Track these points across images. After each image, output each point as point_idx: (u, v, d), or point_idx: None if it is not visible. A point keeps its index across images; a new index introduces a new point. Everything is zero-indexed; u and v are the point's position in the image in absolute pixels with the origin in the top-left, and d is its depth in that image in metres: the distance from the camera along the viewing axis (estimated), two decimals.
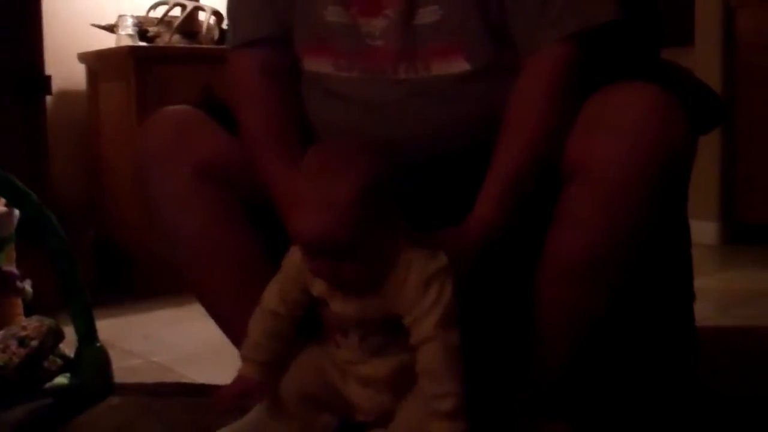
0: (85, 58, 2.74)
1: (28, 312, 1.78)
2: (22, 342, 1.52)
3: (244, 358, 1.03)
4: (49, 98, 2.44)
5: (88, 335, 1.62)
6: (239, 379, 1.04)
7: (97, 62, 2.72)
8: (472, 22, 1.07)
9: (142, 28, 2.69)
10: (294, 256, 1.01)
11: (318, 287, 0.99)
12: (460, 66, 1.08)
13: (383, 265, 0.94)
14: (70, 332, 1.64)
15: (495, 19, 1.07)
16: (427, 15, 1.08)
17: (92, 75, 2.75)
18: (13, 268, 1.76)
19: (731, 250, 3.01)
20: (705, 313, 1.88)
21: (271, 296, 1.03)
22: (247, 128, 1.15)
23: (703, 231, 2.93)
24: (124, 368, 1.85)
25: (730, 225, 3.09)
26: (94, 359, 1.62)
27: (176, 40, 2.70)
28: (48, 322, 1.58)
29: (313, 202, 0.91)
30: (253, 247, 1.14)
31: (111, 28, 2.69)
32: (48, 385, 1.56)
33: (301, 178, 0.94)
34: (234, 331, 1.18)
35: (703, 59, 2.98)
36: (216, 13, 2.71)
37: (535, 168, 1.03)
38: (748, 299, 2.26)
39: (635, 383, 1.36)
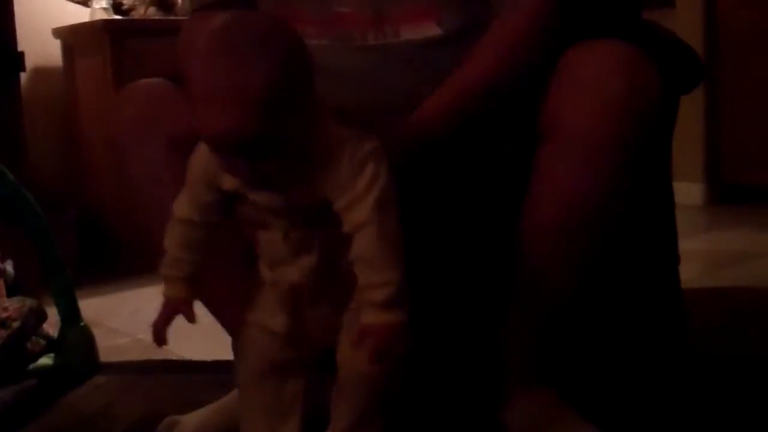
0: (60, 33, 2.69)
1: (11, 293, 1.76)
2: (3, 324, 1.50)
3: (165, 278, 0.96)
4: (23, 75, 2.40)
5: (71, 315, 1.60)
6: (166, 303, 0.96)
7: (72, 37, 2.68)
8: None
9: (116, 0, 2.65)
10: (199, 155, 0.92)
11: (229, 181, 0.89)
12: (430, 30, 1.06)
13: (306, 152, 0.85)
14: (53, 313, 1.62)
15: None
16: None
17: (67, 50, 2.70)
18: None
19: (717, 211, 3.01)
20: (691, 274, 1.88)
21: (182, 205, 0.95)
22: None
23: (688, 192, 2.93)
24: (111, 347, 1.84)
25: (715, 186, 3.09)
26: (78, 339, 1.61)
27: (152, 12, 2.65)
28: (30, 302, 1.57)
29: (217, 92, 0.80)
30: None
31: (85, 2, 2.64)
32: (32, 366, 1.55)
33: (206, 66, 0.82)
34: (214, 304, 1.17)
35: (685, 20, 2.96)
36: None
37: (490, 92, 1.03)
38: (734, 260, 2.27)
39: (622, 347, 1.36)
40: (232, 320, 1.06)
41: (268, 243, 0.94)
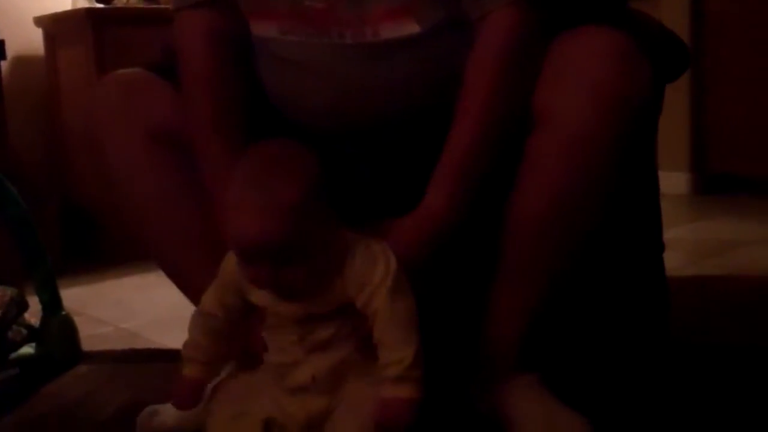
0: (41, 21, 2.67)
1: None
2: None
3: (186, 358, 1.00)
4: (4, 63, 2.38)
5: (52, 304, 1.59)
6: (184, 381, 1.00)
7: (54, 25, 2.65)
8: None
9: None
10: (229, 263, 0.98)
11: (257, 295, 0.96)
12: (409, 28, 1.04)
13: (324, 263, 0.92)
14: (34, 302, 1.61)
15: None
16: None
17: (49, 39, 2.68)
18: None
19: (702, 200, 3.02)
20: (675, 263, 1.89)
21: (209, 301, 1.01)
22: (189, 106, 1.11)
23: (674, 181, 2.94)
24: (94, 336, 1.83)
25: (700, 175, 3.10)
26: (59, 328, 1.60)
27: (134, 0, 2.63)
28: (10, 291, 1.56)
29: (252, 206, 0.87)
30: (206, 211, 1.10)
31: None
32: (14, 355, 1.54)
33: (238, 181, 0.90)
34: (195, 295, 1.16)
35: (671, 9, 2.96)
36: None
37: (487, 151, 1.01)
38: (719, 249, 2.28)
39: (606, 334, 1.36)
40: (197, 295, 1.06)
41: (281, 346, 0.98)
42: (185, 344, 1.01)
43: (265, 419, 0.98)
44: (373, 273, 0.92)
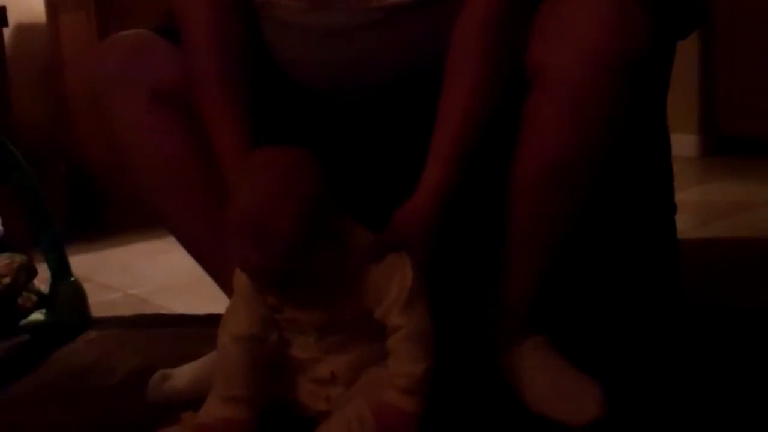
0: None
1: (0, 250, 1.74)
2: None
3: (224, 399, 0.96)
4: (6, 30, 2.35)
5: (61, 270, 1.60)
6: (225, 425, 0.95)
7: None
8: None
9: None
10: (241, 277, 0.96)
11: (269, 299, 0.96)
12: None
13: (335, 271, 0.92)
14: (43, 269, 1.61)
15: None
16: None
17: (51, 5, 2.66)
18: None
19: (711, 162, 3.00)
20: (686, 225, 1.88)
21: (240, 323, 0.97)
22: (193, 65, 1.09)
23: (683, 144, 2.91)
24: (102, 302, 1.84)
25: (710, 137, 3.08)
26: (68, 294, 1.60)
27: None
28: (19, 258, 1.55)
29: (251, 238, 0.86)
30: (214, 172, 1.09)
31: None
32: (24, 321, 1.54)
33: (237, 206, 0.88)
34: (204, 259, 1.16)
35: None
36: None
37: (480, 116, 1.00)
38: (729, 211, 2.26)
39: (617, 296, 1.36)
40: (206, 258, 1.05)
41: (300, 344, 0.98)
42: (220, 382, 0.97)
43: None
44: (390, 286, 0.92)
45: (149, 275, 2.08)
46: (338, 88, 1.10)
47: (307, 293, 0.92)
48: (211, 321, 1.45)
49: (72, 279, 1.61)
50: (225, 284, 1.12)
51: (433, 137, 1.01)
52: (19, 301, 1.55)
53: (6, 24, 2.29)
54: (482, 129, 1.01)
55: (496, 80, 1.00)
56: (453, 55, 1.01)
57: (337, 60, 1.07)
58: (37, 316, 1.56)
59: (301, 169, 0.89)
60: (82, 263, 2.00)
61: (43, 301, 1.59)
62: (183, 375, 1.18)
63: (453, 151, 1.00)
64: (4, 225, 1.78)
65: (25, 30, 2.65)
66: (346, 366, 0.97)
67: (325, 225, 0.89)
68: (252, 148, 1.02)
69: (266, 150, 0.94)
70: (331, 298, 0.93)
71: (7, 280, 1.50)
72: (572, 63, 0.97)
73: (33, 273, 1.58)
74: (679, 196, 1.45)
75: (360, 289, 0.93)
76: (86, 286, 1.66)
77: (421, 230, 0.98)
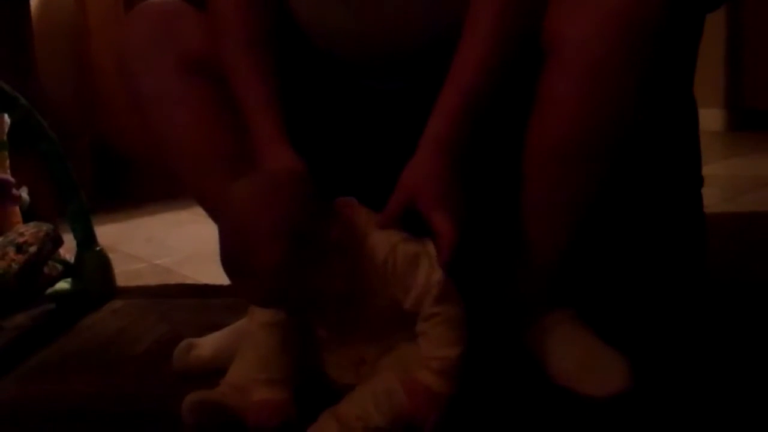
0: None
1: (26, 219, 1.76)
2: (20, 248, 1.50)
3: (261, 382, 0.98)
4: (32, 1, 2.36)
5: (86, 239, 1.61)
6: (266, 406, 0.97)
7: None
8: None
9: None
10: None
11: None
12: None
13: (351, 279, 0.91)
14: (69, 239, 1.63)
15: None
16: None
17: None
18: (8, 176, 1.73)
19: (737, 136, 2.97)
20: (711, 199, 1.86)
21: (265, 310, 0.99)
22: (220, 29, 1.08)
23: (709, 118, 2.88)
24: (128, 272, 1.85)
25: (736, 111, 3.04)
26: (94, 263, 1.62)
27: None
28: (45, 227, 1.57)
29: (238, 272, 0.87)
30: (241, 141, 1.09)
31: None
32: (50, 290, 1.56)
33: (223, 232, 0.88)
34: (190, 173, 1.14)
35: None
36: None
37: (491, 73, 0.98)
38: (754, 186, 2.24)
39: (642, 269, 1.35)
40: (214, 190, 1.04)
41: (329, 339, 0.98)
42: (253, 365, 0.98)
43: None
44: (417, 274, 0.91)
45: (174, 246, 2.10)
46: (363, 55, 1.08)
47: (322, 305, 0.92)
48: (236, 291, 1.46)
49: (98, 248, 1.62)
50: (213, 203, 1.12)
51: (442, 91, 0.99)
52: (45, 270, 1.56)
53: None
54: (491, 86, 0.98)
55: (510, 39, 0.98)
56: (470, 12, 0.99)
57: (362, 25, 1.05)
58: (63, 285, 1.58)
59: (281, 198, 0.88)
60: (108, 233, 2.01)
61: (68, 270, 1.61)
62: (208, 344, 1.19)
63: (460, 104, 0.97)
64: (30, 194, 1.79)
65: (51, 0, 2.66)
66: (374, 352, 0.97)
67: (320, 242, 0.87)
68: (279, 109, 1.02)
69: (247, 177, 0.93)
70: (349, 298, 0.93)
71: (33, 248, 1.52)
72: (591, 34, 0.95)
73: (59, 242, 1.59)
74: (705, 170, 1.43)
75: (382, 282, 0.92)
76: (112, 256, 1.67)
77: (427, 183, 0.95)
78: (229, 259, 0.87)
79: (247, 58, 1.05)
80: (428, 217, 0.92)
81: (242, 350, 1.03)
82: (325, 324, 0.98)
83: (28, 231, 1.55)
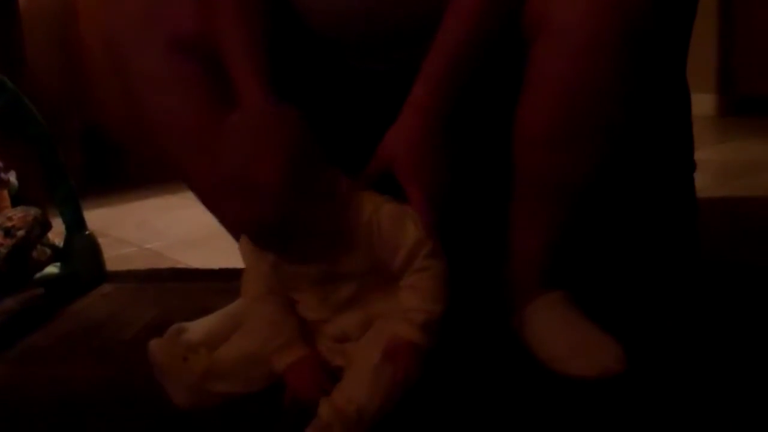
0: None
1: (15, 204, 1.75)
2: (8, 232, 1.49)
3: (274, 351, 0.97)
4: None
5: (75, 223, 1.60)
6: (296, 366, 0.96)
7: None
8: None
9: None
10: (245, 243, 0.96)
11: (269, 257, 0.95)
12: None
13: (332, 225, 0.90)
14: (58, 224, 1.62)
15: None
16: None
17: None
18: None
19: (729, 122, 2.98)
20: (703, 184, 1.85)
21: (254, 286, 0.98)
22: (212, 6, 1.07)
23: (701, 103, 2.88)
24: (118, 256, 1.84)
25: (728, 97, 3.05)
26: (83, 247, 1.61)
27: None
28: (33, 211, 1.56)
29: (237, 189, 0.85)
30: None
31: None
32: (38, 275, 1.55)
33: (219, 169, 0.86)
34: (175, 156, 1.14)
35: None
36: None
37: (473, 46, 0.98)
38: (746, 170, 2.25)
39: (636, 252, 1.35)
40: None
41: (308, 305, 0.97)
42: (262, 345, 0.98)
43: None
44: (404, 235, 0.91)
45: (164, 230, 2.09)
46: (351, 36, 1.08)
47: (306, 247, 0.90)
48: (227, 275, 1.46)
49: (87, 232, 1.61)
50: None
51: (426, 59, 0.98)
52: (34, 254, 1.55)
53: None
54: (475, 59, 0.98)
55: (495, 15, 0.98)
56: None
57: (350, 7, 1.05)
58: (52, 269, 1.57)
59: (282, 122, 0.88)
60: (98, 218, 2.00)
61: (57, 254, 1.60)
62: (198, 328, 1.18)
63: (443, 71, 0.97)
64: (18, 178, 1.78)
65: None
66: (355, 324, 0.96)
67: (314, 178, 0.87)
68: (268, 75, 1.01)
69: (246, 107, 0.93)
70: (331, 251, 0.92)
71: (21, 233, 1.51)
72: (577, 12, 0.94)
73: (47, 226, 1.58)
74: (697, 155, 1.43)
75: (365, 241, 0.91)
76: (102, 240, 1.66)
77: (406, 151, 0.95)
78: (228, 176, 0.85)
79: (239, 30, 1.04)
80: (404, 187, 0.93)
81: (245, 325, 1.03)
82: (306, 292, 0.97)
83: (16, 215, 1.54)
